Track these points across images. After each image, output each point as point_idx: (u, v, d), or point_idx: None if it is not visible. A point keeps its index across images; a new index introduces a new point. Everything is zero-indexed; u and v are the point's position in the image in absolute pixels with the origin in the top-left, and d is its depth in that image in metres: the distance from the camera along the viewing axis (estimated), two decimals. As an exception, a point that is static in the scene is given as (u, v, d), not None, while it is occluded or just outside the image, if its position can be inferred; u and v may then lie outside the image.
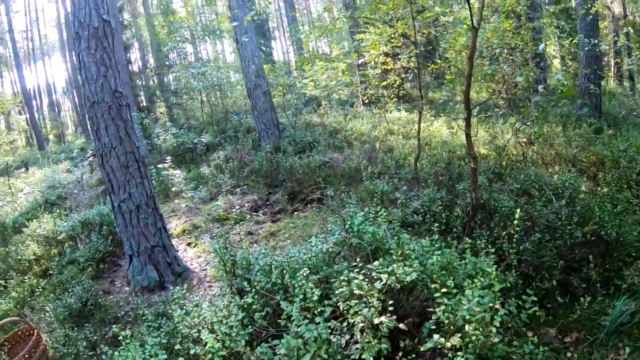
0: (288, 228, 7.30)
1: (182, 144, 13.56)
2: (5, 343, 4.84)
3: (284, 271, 3.91)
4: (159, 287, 5.88)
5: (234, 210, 7.87)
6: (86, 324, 4.98)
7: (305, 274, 3.46)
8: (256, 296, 3.66)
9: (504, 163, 7.41)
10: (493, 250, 3.71)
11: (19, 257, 6.82)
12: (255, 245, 6.78)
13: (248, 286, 3.88)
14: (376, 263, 3.39)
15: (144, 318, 4.08)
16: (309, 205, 8.02)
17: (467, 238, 4.02)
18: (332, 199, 7.05)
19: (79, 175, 12.49)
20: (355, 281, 3.21)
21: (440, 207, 5.23)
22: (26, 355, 4.37)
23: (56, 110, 42.52)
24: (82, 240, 7.04)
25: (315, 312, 3.15)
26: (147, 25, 22.62)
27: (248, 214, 7.88)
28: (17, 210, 10.47)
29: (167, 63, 21.11)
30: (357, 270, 3.31)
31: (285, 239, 6.92)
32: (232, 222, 7.61)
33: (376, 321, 2.96)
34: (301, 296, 3.26)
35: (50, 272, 6.44)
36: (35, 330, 4.72)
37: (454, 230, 4.90)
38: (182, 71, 17.48)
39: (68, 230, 7.07)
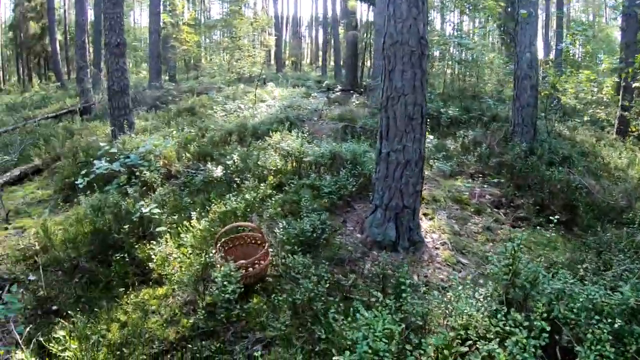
0: (529, 242, 6.34)
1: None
2: (229, 242, 4.79)
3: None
4: (391, 247, 5.45)
5: (474, 197, 7.17)
6: (313, 256, 4.82)
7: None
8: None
9: None
10: None
11: (258, 162, 6.80)
12: (490, 244, 6.06)
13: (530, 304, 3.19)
14: None
15: (399, 286, 3.68)
16: (552, 224, 6.90)
17: None
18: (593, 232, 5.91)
19: (319, 104, 12.87)
20: None
21: None
22: (256, 262, 4.25)
23: (298, 40, 46.45)
24: (327, 170, 7.05)
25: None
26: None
27: (488, 207, 7.06)
28: (256, 117, 10.90)
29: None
30: None
31: (525, 251, 6.00)
32: (472, 209, 6.93)
33: None
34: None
35: (286, 188, 6.33)
36: (266, 244, 4.54)
37: None
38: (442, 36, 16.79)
39: (317, 155, 6.91)
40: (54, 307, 4.08)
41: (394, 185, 5.35)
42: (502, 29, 16.64)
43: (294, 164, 6.98)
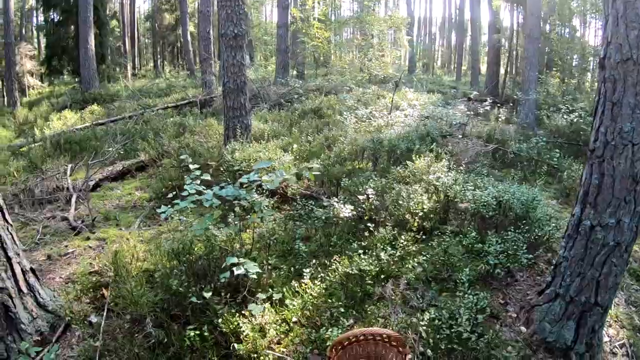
0: None
1: (581, 131, 10.61)
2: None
3: None
4: (562, 353, 3.89)
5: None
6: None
7: None
8: None
9: None
10: None
11: (399, 201, 5.31)
12: None
13: None
14: None
15: None
16: None
17: None
18: None
19: (462, 117, 11.04)
20: None
21: None
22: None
23: (431, 41, 44.25)
24: (488, 224, 5.23)
25: None
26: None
27: None
28: (392, 129, 9.36)
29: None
30: None
31: None
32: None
33: None
34: None
35: (430, 238, 4.98)
36: (407, 354, 2.98)
37: None
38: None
39: (479, 203, 5.04)
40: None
41: (589, 273, 3.72)
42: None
43: (442, 205, 5.47)
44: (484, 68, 25.91)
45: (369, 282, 4.05)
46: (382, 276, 4.20)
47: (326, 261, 4.41)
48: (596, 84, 17.11)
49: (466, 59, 35.90)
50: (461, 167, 6.53)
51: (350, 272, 4.05)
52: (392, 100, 11.81)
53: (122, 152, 8.88)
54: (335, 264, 4.24)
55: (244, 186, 4.07)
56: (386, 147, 7.47)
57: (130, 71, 29.28)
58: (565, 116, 11.23)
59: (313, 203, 5.56)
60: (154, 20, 32.92)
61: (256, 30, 32.69)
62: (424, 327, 3.57)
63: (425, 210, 5.16)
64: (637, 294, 4.92)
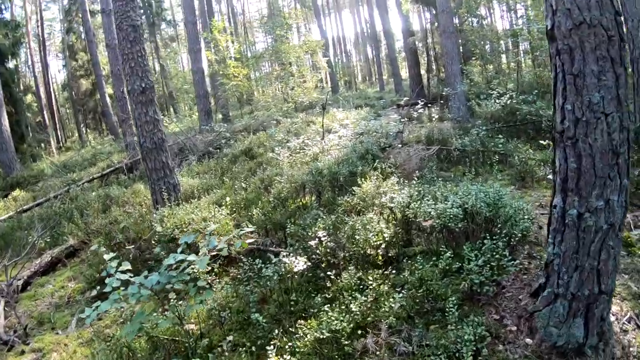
0: None
1: (515, 111, 10.70)
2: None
3: None
4: (576, 352, 3.43)
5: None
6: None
7: None
8: None
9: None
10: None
11: (355, 235, 4.64)
12: None
13: None
14: None
15: None
16: None
17: None
18: None
19: (396, 126, 10.69)
20: None
21: None
22: None
23: (348, 58, 44.86)
24: (456, 237, 4.73)
25: None
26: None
27: None
28: (328, 154, 8.80)
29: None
30: None
31: None
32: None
33: None
34: None
35: (399, 265, 4.46)
36: None
37: None
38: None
39: (444, 217, 4.47)
40: None
41: (587, 264, 3.28)
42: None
43: (403, 227, 4.88)
44: (405, 74, 26.34)
45: (346, 342, 3.36)
46: (359, 331, 3.53)
47: (291, 328, 3.69)
48: (512, 64, 17.62)
49: (386, 68, 36.57)
50: (414, 180, 6.00)
51: (321, 336, 3.35)
52: (322, 125, 11.34)
53: (48, 240, 7.79)
54: (302, 329, 3.52)
55: (174, 267, 3.33)
56: (327, 176, 6.88)
57: (55, 145, 27.78)
58: (497, 100, 11.18)
59: (260, 260, 4.76)
60: (71, 89, 31.45)
61: (175, 80, 31.92)
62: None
63: (387, 239, 4.57)
64: (625, 260, 4.64)
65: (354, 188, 5.94)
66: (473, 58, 17.40)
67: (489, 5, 20.82)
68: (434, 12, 15.82)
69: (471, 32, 16.13)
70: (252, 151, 11.23)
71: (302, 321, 3.68)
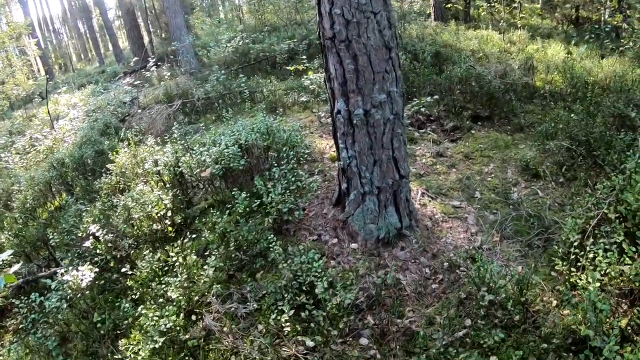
0: (479, 150, 5.62)
1: (248, 51, 11.24)
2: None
3: None
4: (397, 237, 3.84)
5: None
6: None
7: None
8: None
9: None
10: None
11: (132, 214, 4.23)
12: (455, 170, 5.15)
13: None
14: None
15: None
16: (479, 123, 6.49)
17: None
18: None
19: (129, 94, 10.10)
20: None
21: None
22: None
23: (59, 39, 39.17)
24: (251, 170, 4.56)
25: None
26: None
27: (416, 132, 6.25)
28: (66, 141, 7.91)
29: None
30: None
31: (486, 163, 5.28)
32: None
33: None
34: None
35: (195, 227, 4.22)
36: None
37: None
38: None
39: (225, 159, 4.30)
40: None
41: (384, 155, 3.60)
42: None
43: (181, 188, 4.60)
44: (125, 44, 24.47)
45: (185, 336, 3.06)
46: (193, 317, 3.26)
47: (115, 355, 3.15)
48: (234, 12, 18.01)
49: (103, 40, 33.36)
50: (166, 139, 5.68)
51: (156, 345, 2.87)
52: (48, 113, 9.85)
53: None
54: (128, 348, 3.00)
55: None
56: (71, 164, 6.12)
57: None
58: (228, 44, 11.42)
59: (37, 294, 3.70)
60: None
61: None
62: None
63: (168, 206, 4.22)
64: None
65: (108, 166, 5.40)
66: (196, 10, 17.35)
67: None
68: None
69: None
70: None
71: (123, 340, 3.11)
